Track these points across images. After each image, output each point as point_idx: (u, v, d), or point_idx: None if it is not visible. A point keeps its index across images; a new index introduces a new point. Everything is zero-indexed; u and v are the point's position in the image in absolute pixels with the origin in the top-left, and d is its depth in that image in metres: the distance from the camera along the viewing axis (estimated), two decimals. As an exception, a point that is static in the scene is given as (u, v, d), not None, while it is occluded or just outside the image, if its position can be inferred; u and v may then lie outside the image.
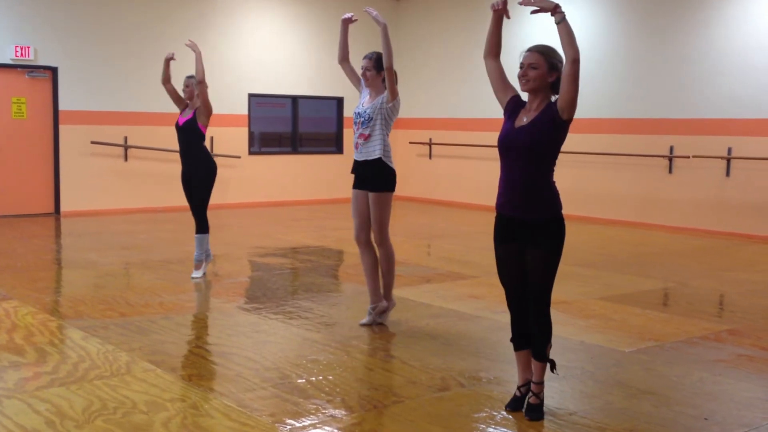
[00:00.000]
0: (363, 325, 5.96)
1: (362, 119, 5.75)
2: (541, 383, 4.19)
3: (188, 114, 7.52)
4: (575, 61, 3.83)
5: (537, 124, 3.98)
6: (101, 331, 5.69)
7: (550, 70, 4.02)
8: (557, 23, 3.91)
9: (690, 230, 11.51)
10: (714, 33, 11.29)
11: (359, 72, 5.95)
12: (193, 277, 7.59)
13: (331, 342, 5.52)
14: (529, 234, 4.04)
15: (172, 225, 11.55)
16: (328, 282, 7.79)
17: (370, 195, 5.81)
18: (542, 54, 4.03)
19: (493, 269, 8.75)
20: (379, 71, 5.76)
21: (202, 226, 7.61)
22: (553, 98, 4.06)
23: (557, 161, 4.11)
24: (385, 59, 5.62)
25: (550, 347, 4.20)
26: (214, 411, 4.17)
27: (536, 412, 4.15)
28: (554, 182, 4.09)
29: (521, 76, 4.07)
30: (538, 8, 3.96)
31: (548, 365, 4.20)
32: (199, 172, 7.53)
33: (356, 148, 5.85)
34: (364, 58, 5.84)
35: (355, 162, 5.90)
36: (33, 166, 12.33)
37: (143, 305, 6.53)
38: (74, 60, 12.43)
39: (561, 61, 4.01)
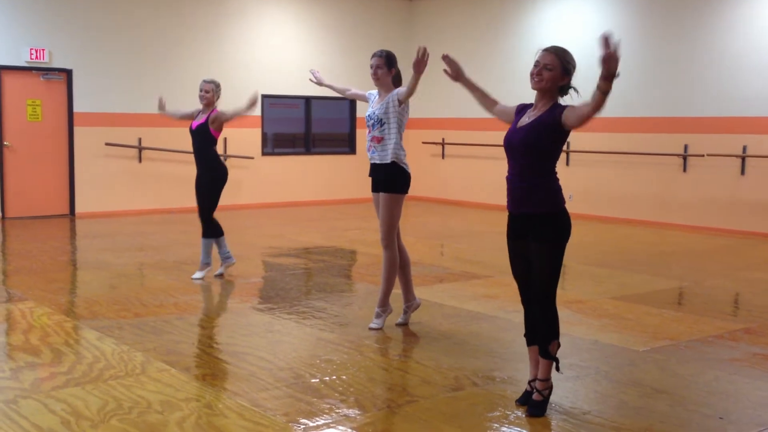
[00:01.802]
0: (398, 324, 5.98)
1: (373, 121, 5.71)
2: (545, 380, 4.19)
3: (201, 118, 7.52)
4: (596, 110, 3.85)
5: (538, 124, 4.04)
6: (116, 332, 5.72)
7: (563, 74, 4.07)
8: (601, 91, 3.78)
9: (705, 229, 11.45)
10: (728, 31, 11.22)
11: (370, 72, 5.88)
12: (193, 278, 7.64)
13: (345, 342, 5.53)
14: (532, 229, 4.09)
15: (186, 226, 11.59)
16: (341, 282, 7.80)
17: (381, 195, 5.75)
18: (558, 56, 4.07)
19: (506, 269, 8.74)
20: (390, 68, 5.74)
21: (206, 231, 7.61)
22: (560, 100, 4.09)
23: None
24: (408, 94, 5.61)
25: (558, 346, 4.20)
26: (228, 410, 4.19)
27: (537, 409, 4.16)
28: (557, 178, 4.13)
29: (534, 74, 4.09)
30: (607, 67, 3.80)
31: (553, 364, 4.20)
32: (207, 176, 7.52)
33: (369, 150, 5.81)
34: (373, 56, 5.78)
35: (371, 165, 5.86)
36: (48, 167, 12.41)
37: (157, 306, 6.57)
38: (89, 62, 12.50)
39: (574, 66, 4.10)
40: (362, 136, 15.50)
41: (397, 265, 5.86)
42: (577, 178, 12.94)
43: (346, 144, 15.58)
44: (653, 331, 5.88)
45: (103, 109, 12.70)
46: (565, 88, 4.10)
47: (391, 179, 5.70)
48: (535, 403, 4.19)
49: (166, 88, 13.18)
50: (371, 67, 5.78)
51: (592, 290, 7.34)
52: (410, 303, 6.02)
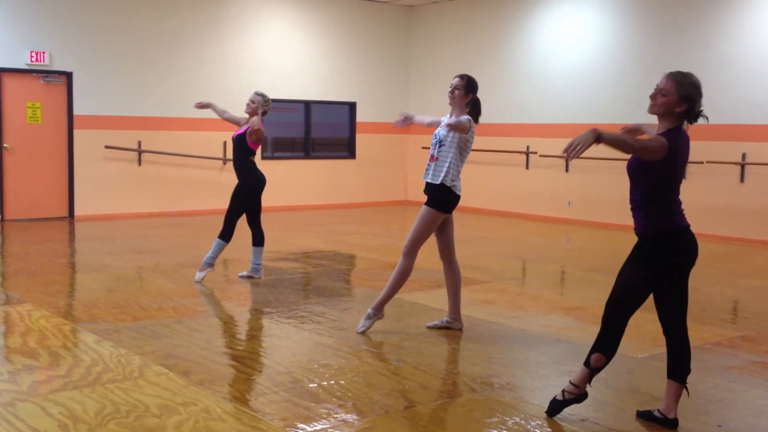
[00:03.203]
0: (429, 327, 6.06)
1: (435, 140, 5.75)
2: (574, 386, 4.19)
3: (242, 128, 7.67)
4: (636, 150, 3.86)
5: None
6: (114, 335, 5.71)
7: (680, 101, 3.97)
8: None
9: (704, 236, 11.41)
10: (728, 38, 11.24)
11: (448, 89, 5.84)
12: (196, 279, 7.71)
13: (343, 346, 5.52)
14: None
15: (185, 229, 11.60)
16: (340, 286, 7.80)
17: (423, 207, 5.83)
18: (675, 82, 3.98)
19: (504, 274, 8.74)
20: (468, 93, 5.73)
21: (223, 233, 7.71)
22: (685, 126, 4.04)
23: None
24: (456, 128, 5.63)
25: (594, 356, 4.15)
26: (226, 415, 4.18)
27: (549, 407, 4.24)
28: (661, 204, 4.04)
29: (651, 98, 4.06)
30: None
31: (588, 374, 4.20)
32: (243, 185, 7.66)
33: (425, 170, 5.83)
34: (456, 76, 5.81)
35: (425, 184, 5.90)
36: (48, 170, 12.41)
37: (156, 309, 6.56)
38: (89, 65, 12.51)
39: (696, 92, 3.97)
40: (362, 140, 15.51)
41: (408, 276, 5.90)
42: (576, 185, 12.95)
43: (345, 149, 15.58)
44: (652, 338, 5.87)
45: (103, 111, 12.70)
46: (689, 115, 4.00)
47: (437, 196, 5.73)
48: (552, 401, 4.24)
49: (166, 91, 13.23)
50: (450, 86, 5.79)
51: (592, 296, 7.33)
52: (451, 322, 6.04)
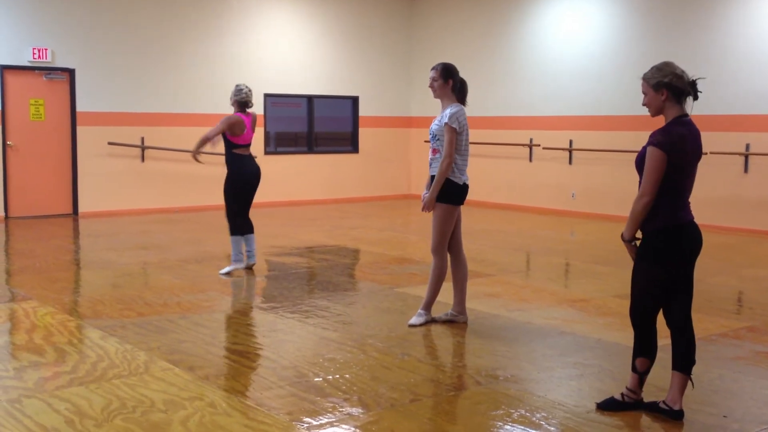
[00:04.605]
0: (434, 320, 6.05)
1: (431, 135, 5.81)
2: (626, 388, 4.24)
3: None
4: (649, 196, 4.00)
5: (644, 147, 4.07)
6: (119, 331, 5.72)
7: (657, 90, 4.01)
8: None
9: (708, 227, 11.41)
10: (731, 28, 11.21)
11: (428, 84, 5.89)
12: (220, 273, 7.86)
13: (348, 340, 5.53)
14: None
15: (189, 225, 11.61)
16: (344, 281, 7.80)
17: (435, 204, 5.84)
18: (645, 79, 4.06)
19: (508, 267, 8.73)
20: (446, 80, 5.75)
21: (230, 228, 7.89)
22: (687, 104, 4.03)
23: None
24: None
25: (637, 360, 4.18)
26: (231, 409, 4.19)
27: (604, 403, 4.25)
28: (668, 200, 4.03)
29: (644, 105, 4.14)
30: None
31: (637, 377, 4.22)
32: (227, 177, 7.82)
33: (430, 161, 5.88)
34: (432, 69, 5.83)
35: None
36: (51, 167, 12.42)
37: (161, 305, 6.57)
38: (92, 62, 12.51)
39: (667, 74, 3.99)
40: (364, 134, 15.51)
41: (445, 273, 5.93)
42: (579, 177, 12.93)
43: (348, 143, 15.57)
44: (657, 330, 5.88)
45: (105, 108, 12.71)
46: (679, 95, 4.00)
47: (444, 190, 5.74)
48: (609, 399, 4.26)
49: (168, 87, 13.23)
50: (430, 80, 5.82)
51: (596, 288, 7.33)
52: (456, 315, 6.05)
